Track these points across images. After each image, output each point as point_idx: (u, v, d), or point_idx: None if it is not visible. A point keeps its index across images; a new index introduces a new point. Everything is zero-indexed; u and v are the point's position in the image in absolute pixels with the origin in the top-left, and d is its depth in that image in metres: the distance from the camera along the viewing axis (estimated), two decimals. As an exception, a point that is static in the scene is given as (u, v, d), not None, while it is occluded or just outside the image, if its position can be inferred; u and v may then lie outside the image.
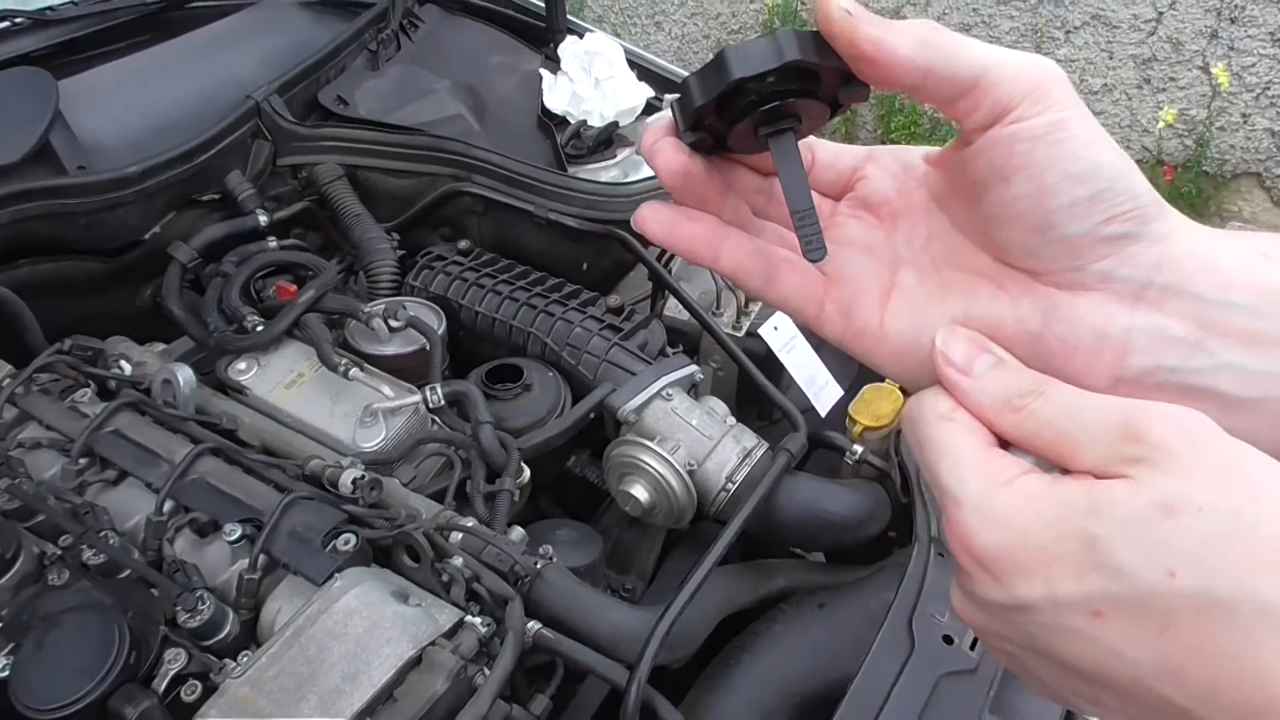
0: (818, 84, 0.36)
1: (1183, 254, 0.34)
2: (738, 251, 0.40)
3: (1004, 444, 0.34)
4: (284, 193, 1.36)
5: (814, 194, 0.37)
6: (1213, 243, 0.34)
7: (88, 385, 1.05)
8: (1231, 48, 3.27)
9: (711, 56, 0.35)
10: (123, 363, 1.10)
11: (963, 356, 0.35)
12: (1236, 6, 3.22)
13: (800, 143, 0.38)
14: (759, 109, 0.36)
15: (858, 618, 1.02)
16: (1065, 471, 0.32)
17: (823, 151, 0.42)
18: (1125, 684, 0.30)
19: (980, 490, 0.32)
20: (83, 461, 0.95)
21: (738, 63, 0.34)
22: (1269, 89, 3.27)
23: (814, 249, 0.36)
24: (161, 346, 1.18)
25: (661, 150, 0.38)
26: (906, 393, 1.18)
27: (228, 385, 1.11)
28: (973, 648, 0.95)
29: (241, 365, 1.11)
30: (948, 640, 0.95)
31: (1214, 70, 3.26)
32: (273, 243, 1.27)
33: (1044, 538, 0.31)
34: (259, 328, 1.12)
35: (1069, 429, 0.32)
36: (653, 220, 0.39)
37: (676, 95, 0.38)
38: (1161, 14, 3.37)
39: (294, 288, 1.21)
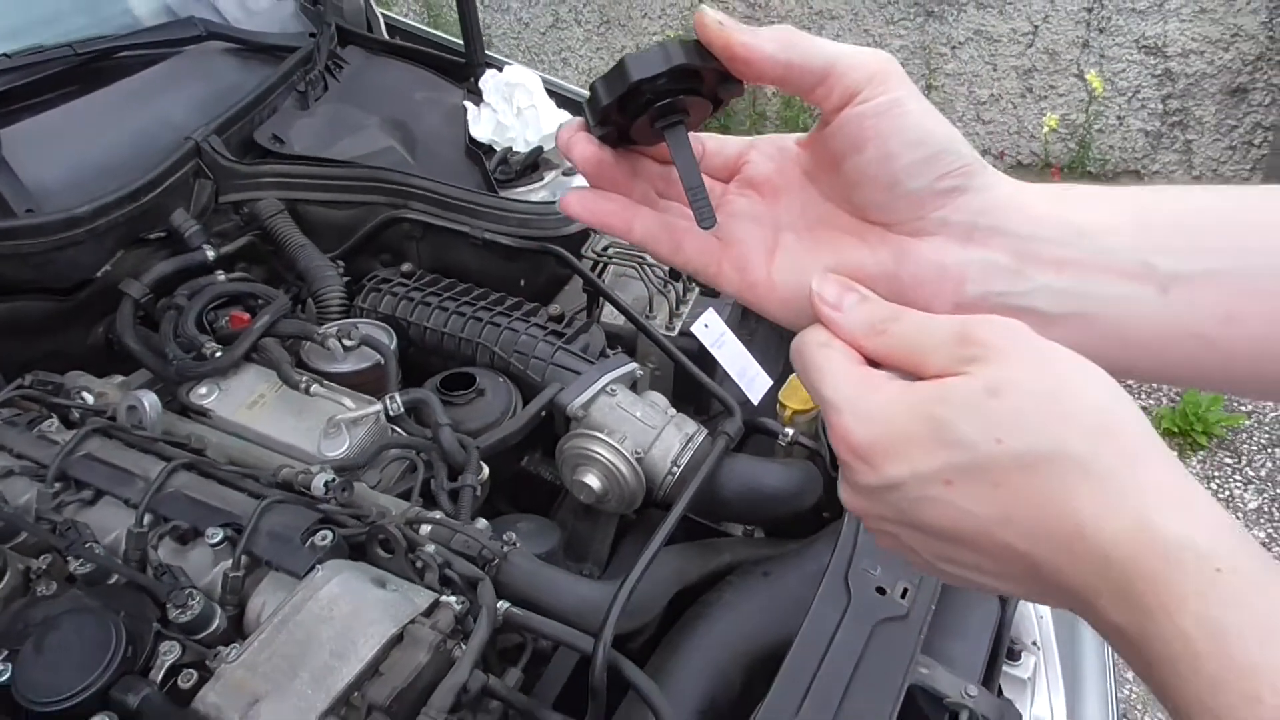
0: (701, 83, 0.43)
1: (1001, 201, 0.42)
2: (648, 224, 0.47)
3: (872, 363, 0.41)
4: (227, 229, 1.42)
5: (706, 176, 0.46)
6: (1024, 191, 0.42)
7: (53, 416, 1.09)
8: (1102, 55, 3.52)
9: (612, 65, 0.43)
10: (84, 394, 1.14)
11: (834, 295, 0.43)
12: (1104, 18, 3.47)
13: (692, 135, 0.45)
14: (654, 105, 0.43)
15: (798, 581, 1.11)
16: (919, 378, 0.39)
17: (712, 142, 0.49)
18: (974, 536, 0.37)
19: (853, 396, 0.40)
20: (58, 485, 0.99)
21: (635, 67, 0.42)
22: (1139, 92, 3.52)
23: (705, 218, 0.44)
24: (120, 379, 1.22)
25: (576, 143, 0.46)
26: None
27: (191, 409, 1.15)
28: (903, 596, 1.05)
29: (203, 390, 1.16)
30: (880, 591, 1.04)
31: (1088, 77, 3.50)
32: (221, 276, 1.32)
33: (904, 427, 0.38)
34: (218, 354, 1.17)
35: (919, 343, 0.39)
36: (576, 202, 0.47)
37: (586, 97, 0.45)
38: (1037, 27, 3.61)
39: (247, 316, 1.26)
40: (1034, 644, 1.27)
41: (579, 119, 0.46)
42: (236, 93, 1.50)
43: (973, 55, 3.77)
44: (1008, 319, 0.38)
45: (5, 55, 1.34)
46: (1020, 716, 1.04)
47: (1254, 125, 3.44)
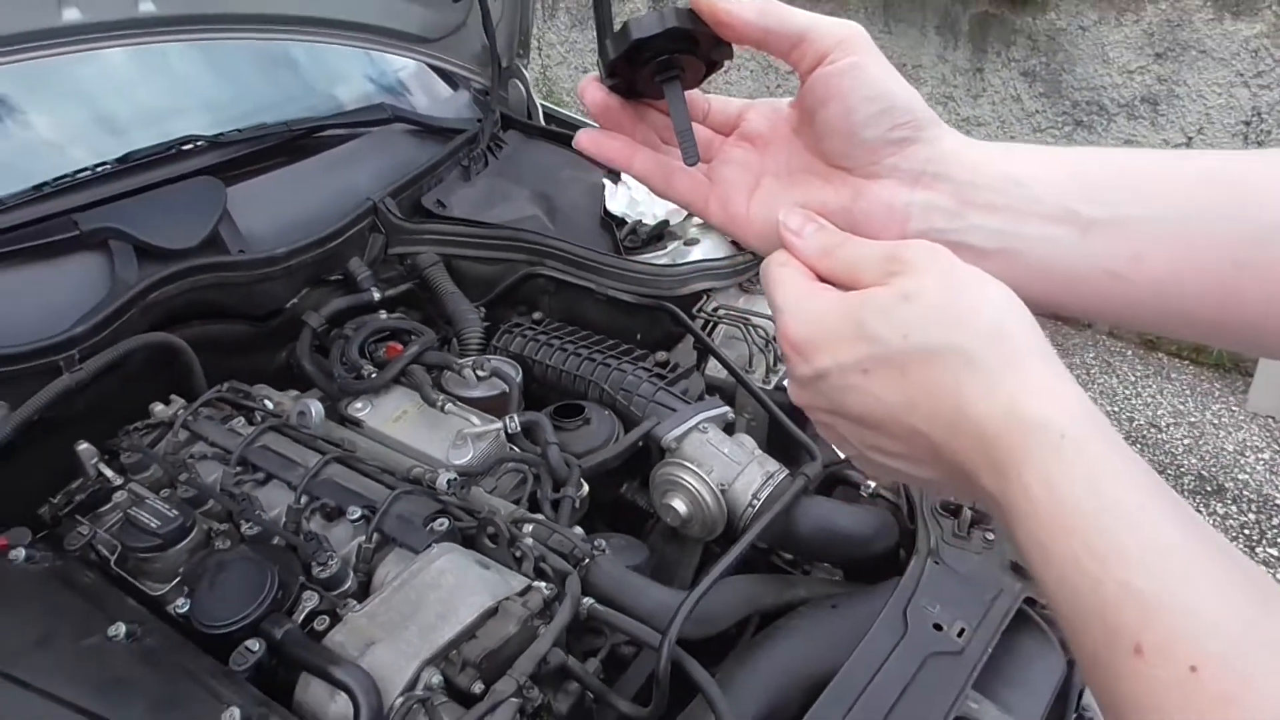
0: (695, 45, 0.50)
1: (947, 152, 0.48)
2: (646, 161, 0.55)
3: (823, 280, 0.48)
4: (392, 276, 1.63)
5: (708, 129, 0.54)
6: (968, 146, 0.49)
7: (241, 416, 1.30)
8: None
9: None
10: (266, 401, 1.35)
11: (796, 224, 0.50)
12: (1264, 131, 3.38)
13: (697, 94, 0.53)
14: (654, 61, 0.50)
15: (864, 615, 1.17)
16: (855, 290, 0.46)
17: (717, 102, 0.56)
18: (887, 420, 0.44)
19: (796, 301, 0.47)
20: (239, 469, 1.19)
21: (636, 28, 0.49)
22: None
23: (690, 156, 0.51)
24: (295, 393, 1.43)
25: (589, 91, 0.54)
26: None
27: (347, 419, 1.34)
28: (959, 635, 1.10)
29: (358, 404, 1.35)
30: (937, 627, 1.09)
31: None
32: (383, 314, 1.53)
33: (832, 326, 0.45)
34: (373, 375, 1.36)
35: (857, 262, 0.47)
36: (586, 139, 0.55)
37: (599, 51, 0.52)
38: (1191, 139, 3.52)
39: (400, 347, 1.46)
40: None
41: (595, 74, 0.55)
42: (411, 165, 1.74)
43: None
44: (931, 243, 0.45)
45: (238, 130, 1.63)
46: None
47: None
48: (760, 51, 0.51)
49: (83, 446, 1.20)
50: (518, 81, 2.07)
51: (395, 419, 1.32)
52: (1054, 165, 0.48)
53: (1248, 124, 3.41)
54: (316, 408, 1.29)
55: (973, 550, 1.21)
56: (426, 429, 1.30)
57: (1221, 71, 3.41)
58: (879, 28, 4.17)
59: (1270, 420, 3.28)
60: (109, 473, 1.18)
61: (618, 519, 1.40)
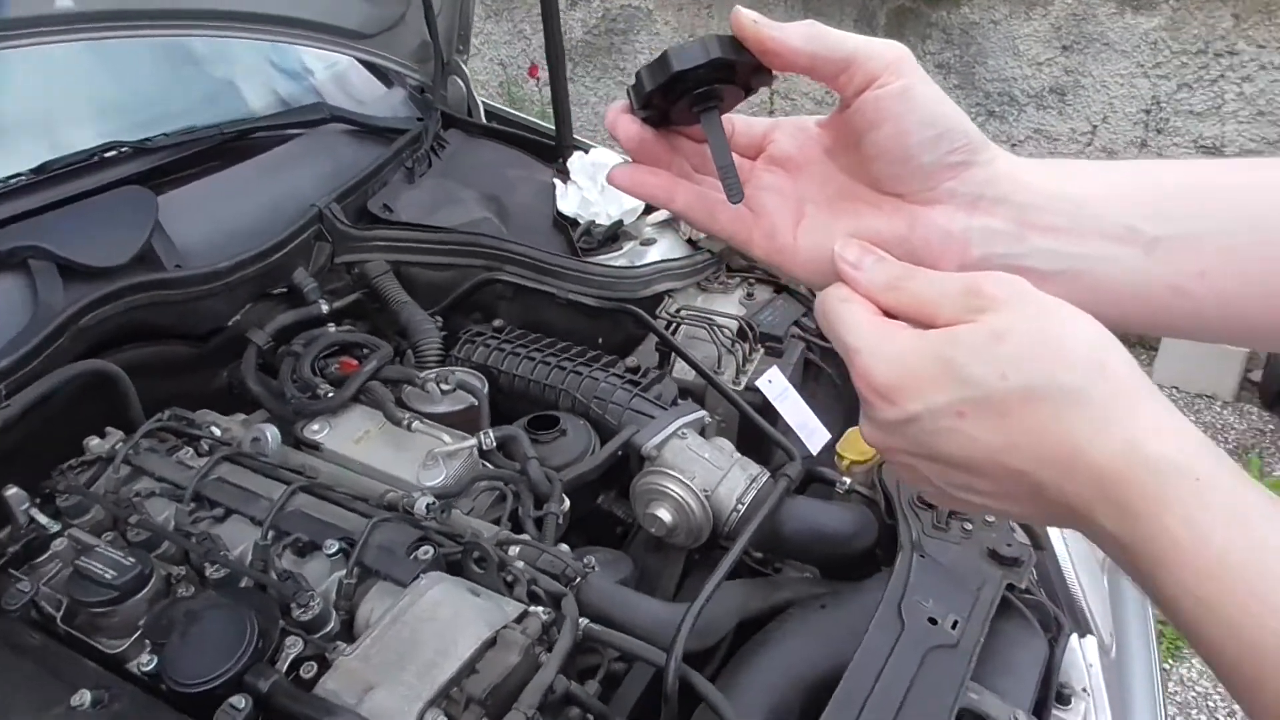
0: (734, 73, 0.48)
1: (1003, 174, 0.46)
2: (687, 196, 0.52)
3: (888, 316, 0.46)
4: (339, 287, 1.54)
5: (734, 154, 0.50)
6: (1023, 167, 0.47)
7: (188, 447, 1.20)
8: (1160, 155, 3.55)
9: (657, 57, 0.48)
10: (213, 428, 1.25)
11: (854, 257, 0.48)
12: (1162, 119, 3.50)
13: (723, 116, 0.50)
14: (693, 92, 0.48)
15: (854, 614, 1.15)
16: (930, 328, 0.44)
17: (740, 123, 0.54)
18: (984, 462, 0.41)
19: (873, 342, 0.44)
20: (193, 504, 1.09)
21: (678, 59, 0.46)
22: None
23: (735, 194, 0.48)
24: (242, 417, 1.34)
25: (621, 124, 0.51)
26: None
27: (304, 443, 1.26)
28: (954, 627, 1.09)
29: (315, 426, 1.26)
30: (932, 621, 1.08)
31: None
32: (333, 328, 1.44)
33: (920, 367, 0.42)
34: (330, 394, 1.28)
35: (931, 297, 0.44)
36: (621, 176, 0.52)
37: (632, 83, 0.49)
38: (1095, 127, 3.64)
39: (355, 363, 1.37)
40: (1084, 690, 1.28)
41: (622, 102, 0.51)
42: (353, 168, 1.64)
43: (1032, 152, 3.83)
44: (1008, 275, 0.43)
45: (164, 135, 1.51)
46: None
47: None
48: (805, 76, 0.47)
49: (11, 491, 1.08)
50: (457, 78, 1.99)
51: (357, 440, 1.24)
52: (1112, 182, 0.47)
53: (1148, 112, 3.54)
54: (272, 432, 1.20)
55: (952, 541, 1.20)
56: (393, 449, 1.22)
57: (1123, 63, 3.52)
58: (797, 20, 4.19)
59: (1174, 389, 3.41)
60: (43, 519, 1.07)
61: (596, 532, 1.35)
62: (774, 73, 0.49)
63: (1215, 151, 3.44)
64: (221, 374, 1.44)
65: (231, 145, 1.53)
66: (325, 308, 1.45)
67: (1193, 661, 2.43)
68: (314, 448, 1.25)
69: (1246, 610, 0.34)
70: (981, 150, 0.47)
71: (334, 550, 1.00)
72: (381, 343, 1.39)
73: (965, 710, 0.99)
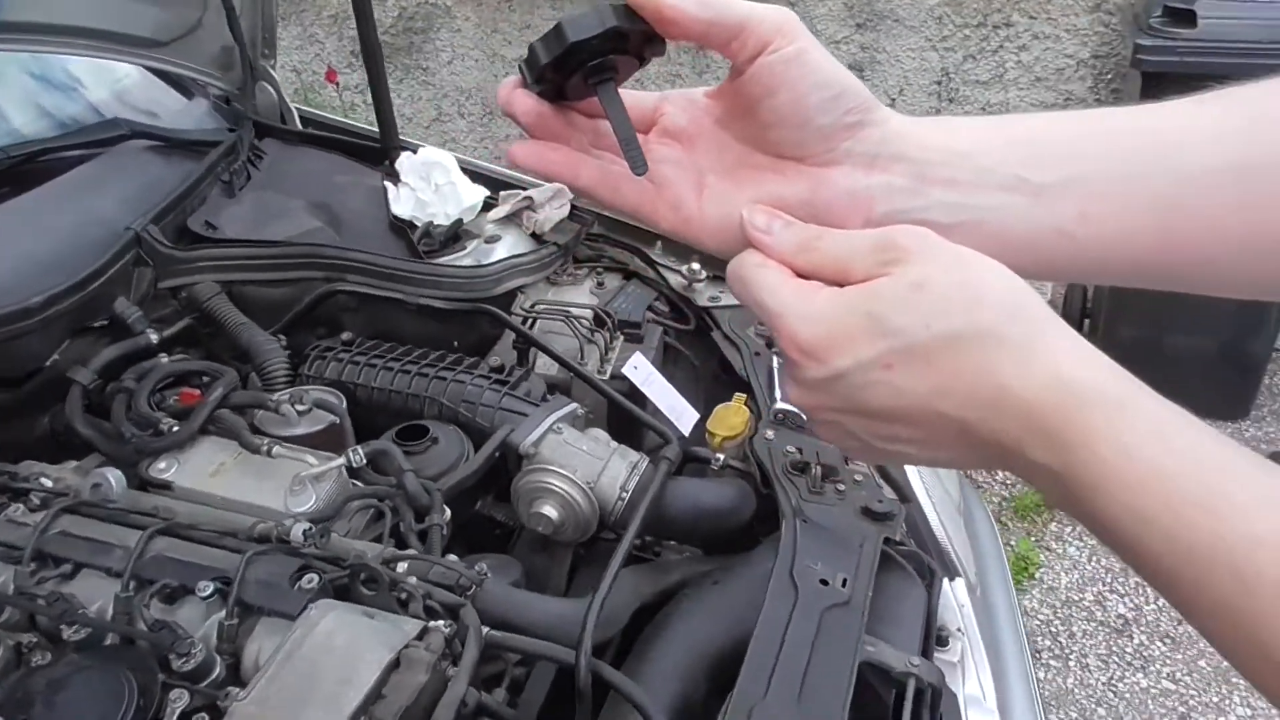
0: (628, 43, 0.48)
1: (896, 132, 0.48)
2: (591, 172, 0.52)
3: (802, 278, 0.47)
4: (167, 314, 1.44)
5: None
6: (914, 124, 0.49)
7: (17, 503, 1.10)
8: (953, 122, 3.82)
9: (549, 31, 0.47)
10: (43, 479, 1.14)
11: (764, 222, 0.49)
12: (953, 89, 3.76)
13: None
14: (588, 64, 0.47)
15: (745, 586, 1.19)
16: (846, 285, 0.45)
17: (628, 98, 0.52)
18: (914, 411, 0.43)
19: (795, 303, 0.45)
20: (34, 564, 1.00)
21: (572, 30, 0.46)
22: (986, 150, 3.83)
23: (639, 165, 0.48)
24: (74, 464, 1.23)
25: (517, 99, 0.50)
26: (750, 407, 1.39)
27: (151, 484, 1.17)
28: (844, 585, 1.14)
29: (162, 464, 1.18)
30: (823, 583, 1.13)
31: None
32: (165, 358, 1.35)
33: (844, 323, 0.43)
34: (175, 428, 1.19)
35: (844, 254, 0.46)
36: (522, 153, 0.51)
37: (524, 57, 0.48)
38: (894, 100, 3.85)
39: (196, 393, 1.29)
40: (959, 630, 1.37)
41: (513, 78, 0.51)
42: (163, 186, 1.54)
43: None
44: (915, 227, 0.45)
45: (-67, 164, 1.36)
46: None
47: None
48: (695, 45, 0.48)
49: None
50: (267, 85, 1.89)
51: (213, 474, 1.17)
52: (997, 135, 0.49)
53: (939, 84, 3.79)
54: (115, 475, 1.12)
55: (829, 504, 1.26)
56: (254, 479, 1.15)
57: (914, 38, 3.76)
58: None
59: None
60: None
61: (477, 538, 1.33)
62: (667, 42, 0.49)
63: (1001, 117, 3.72)
64: (43, 420, 1.32)
65: (20, 169, 1.40)
66: (154, 337, 1.35)
67: (1032, 592, 2.65)
68: (164, 487, 1.17)
69: (1182, 518, 0.36)
70: (875, 109, 0.48)
71: (209, 592, 0.94)
72: (224, 368, 1.31)
73: (865, 663, 1.04)
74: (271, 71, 1.90)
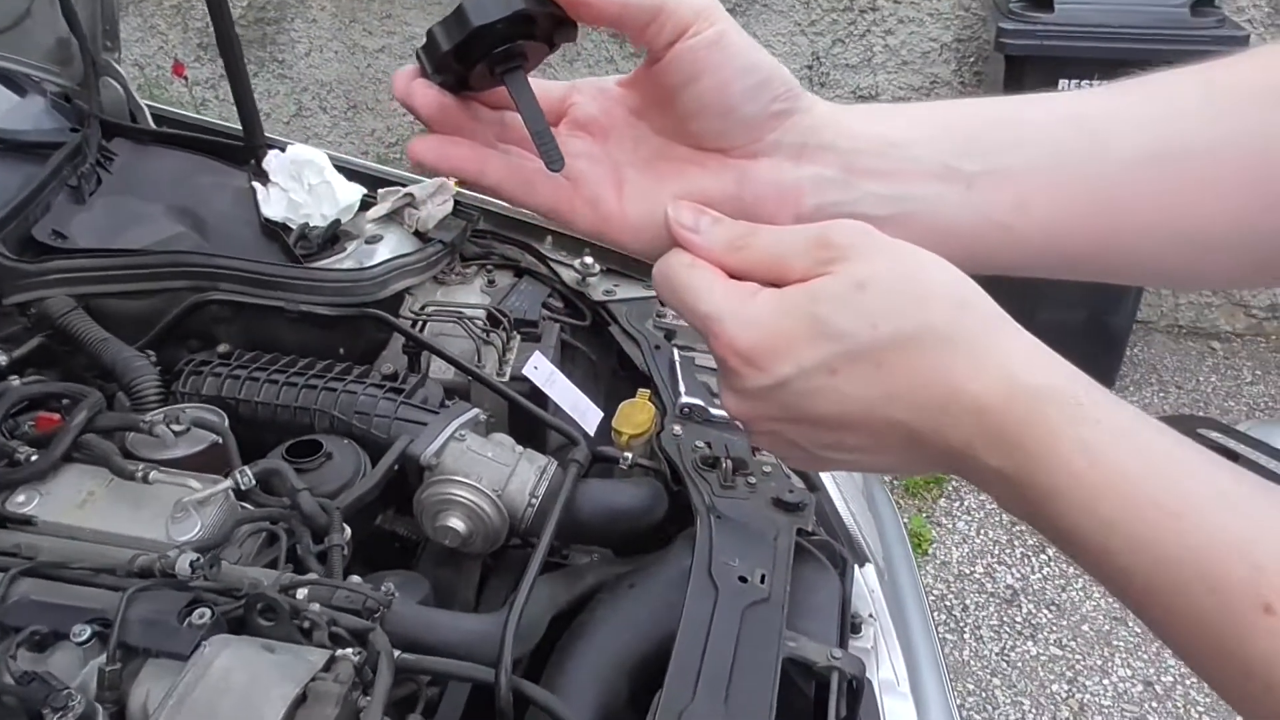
0: (537, 28, 0.45)
1: (824, 121, 0.46)
2: (499, 168, 0.48)
3: (735, 278, 0.44)
4: (15, 332, 1.33)
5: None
6: (842, 112, 0.47)
7: None
8: (825, 105, 3.91)
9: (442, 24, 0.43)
10: (-120, 524, 1.03)
11: (690, 220, 0.46)
12: (824, 73, 3.84)
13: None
14: (494, 51, 0.44)
15: (662, 587, 1.18)
16: (782, 285, 0.42)
17: (535, 87, 0.49)
18: (861, 417, 0.41)
19: (732, 307, 0.43)
20: (-127, 622, 0.90)
21: (475, 13, 0.42)
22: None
23: (554, 160, 0.45)
24: (-85, 503, 1.12)
25: (417, 91, 0.46)
26: (655, 403, 1.38)
27: (10, 520, 1.07)
28: (762, 581, 1.14)
29: (20, 498, 1.08)
30: (742, 579, 1.12)
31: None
32: (15, 381, 1.24)
33: (784, 327, 0.41)
34: (33, 457, 1.10)
35: (779, 253, 0.43)
36: (424, 149, 0.47)
37: (422, 44, 0.45)
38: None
39: (55, 417, 1.19)
40: (870, 616, 1.40)
41: (411, 67, 0.47)
42: (2, 192, 1.41)
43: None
44: (854, 221, 0.43)
45: None
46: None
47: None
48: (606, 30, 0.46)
49: None
50: (111, 80, 1.77)
51: (81, 505, 1.08)
52: (927, 122, 0.48)
53: (810, 68, 3.87)
54: (-34, 514, 1.02)
55: (741, 497, 1.26)
56: (129, 508, 1.07)
57: (783, 23, 3.83)
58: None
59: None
60: None
61: (376, 555, 1.27)
62: (578, 26, 0.47)
63: (872, 100, 3.84)
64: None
65: None
66: (3, 359, 1.24)
67: (927, 568, 2.74)
68: (25, 523, 1.07)
69: (1150, 521, 0.35)
70: (801, 97, 0.46)
71: (85, 636, 0.86)
72: (87, 389, 1.21)
73: (788, 660, 1.04)
74: (116, 65, 1.78)
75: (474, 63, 0.45)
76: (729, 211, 0.47)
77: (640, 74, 0.48)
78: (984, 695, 2.36)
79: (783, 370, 0.41)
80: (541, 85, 0.50)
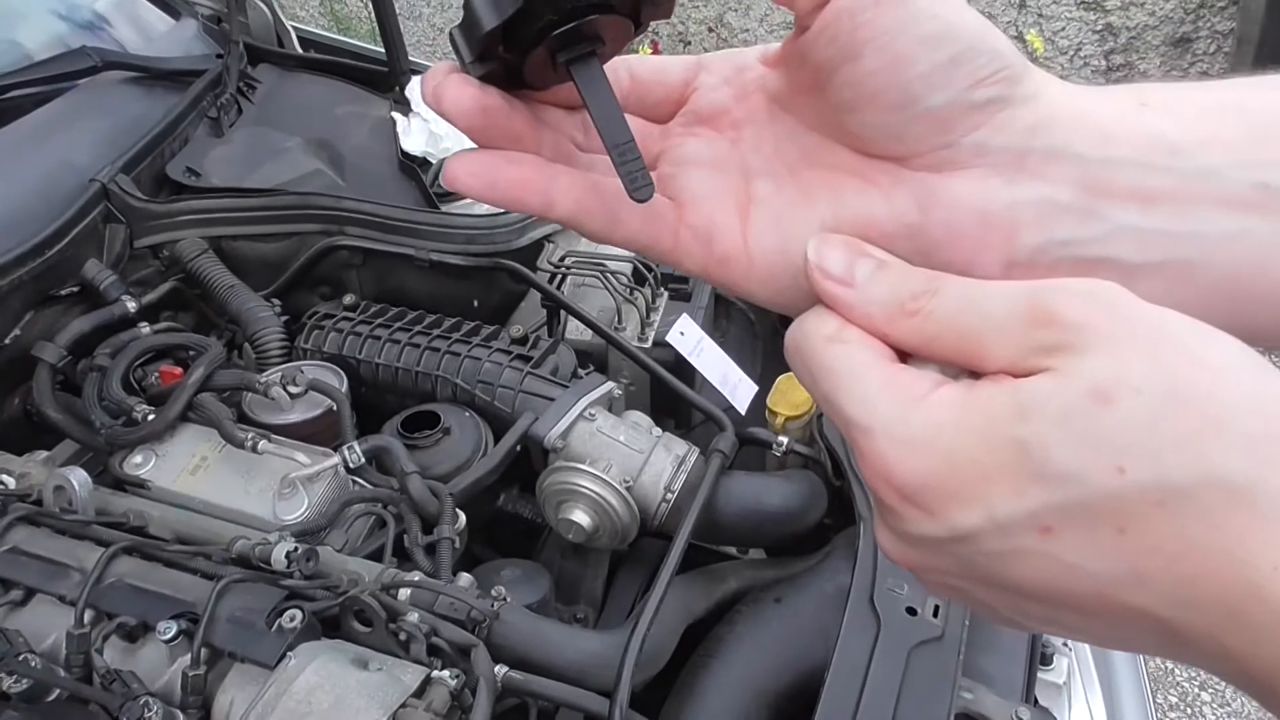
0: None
1: (1057, 114, 0.31)
2: (572, 191, 0.35)
3: (904, 357, 0.31)
4: (147, 275, 1.32)
5: (639, 120, 0.35)
6: (1086, 98, 0.32)
7: (-32, 509, 0.99)
8: (1040, 15, 3.52)
9: None
10: (3, 477, 1.03)
11: (840, 266, 0.32)
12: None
13: (611, 64, 0.34)
14: (555, 31, 0.32)
15: (815, 605, 1.05)
16: (978, 376, 0.29)
17: (643, 68, 0.37)
18: (1086, 599, 0.27)
19: (890, 413, 0.29)
20: (-20, 589, 0.90)
21: None
22: (1080, 49, 3.54)
23: (639, 186, 0.32)
24: (44, 454, 1.12)
25: (449, 90, 0.33)
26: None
27: (126, 482, 1.06)
28: (935, 615, 0.99)
29: (138, 459, 1.07)
30: (911, 612, 0.98)
31: (1028, 37, 3.51)
32: (145, 328, 1.22)
33: (972, 455, 0.27)
34: (150, 416, 1.08)
35: (973, 325, 0.29)
36: (465, 173, 0.34)
37: (457, 24, 0.33)
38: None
39: (179, 370, 1.17)
40: (1064, 644, 1.22)
41: (447, 63, 0.34)
42: (142, 125, 1.40)
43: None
44: (1098, 282, 0.28)
45: None
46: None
47: (1201, 75, 3.48)
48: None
49: None
50: (259, 1, 1.73)
51: (193, 471, 1.05)
52: (1218, 114, 0.31)
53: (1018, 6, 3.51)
54: (79, 477, 1.00)
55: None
56: (239, 478, 1.04)
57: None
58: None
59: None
60: None
61: (498, 536, 1.20)
62: None
63: (1095, 7, 3.43)
64: (13, 401, 1.21)
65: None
66: (132, 305, 1.23)
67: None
68: (140, 486, 1.06)
69: None
70: (1021, 79, 0.31)
71: (171, 634, 0.83)
72: (209, 341, 1.19)
73: (962, 715, 0.90)
74: (264, -14, 1.74)
75: (530, 47, 0.32)
76: (905, 251, 0.32)
77: (788, 46, 0.34)
78: (1189, 711, 2.12)
79: (964, 520, 0.27)
80: (656, 64, 0.37)
